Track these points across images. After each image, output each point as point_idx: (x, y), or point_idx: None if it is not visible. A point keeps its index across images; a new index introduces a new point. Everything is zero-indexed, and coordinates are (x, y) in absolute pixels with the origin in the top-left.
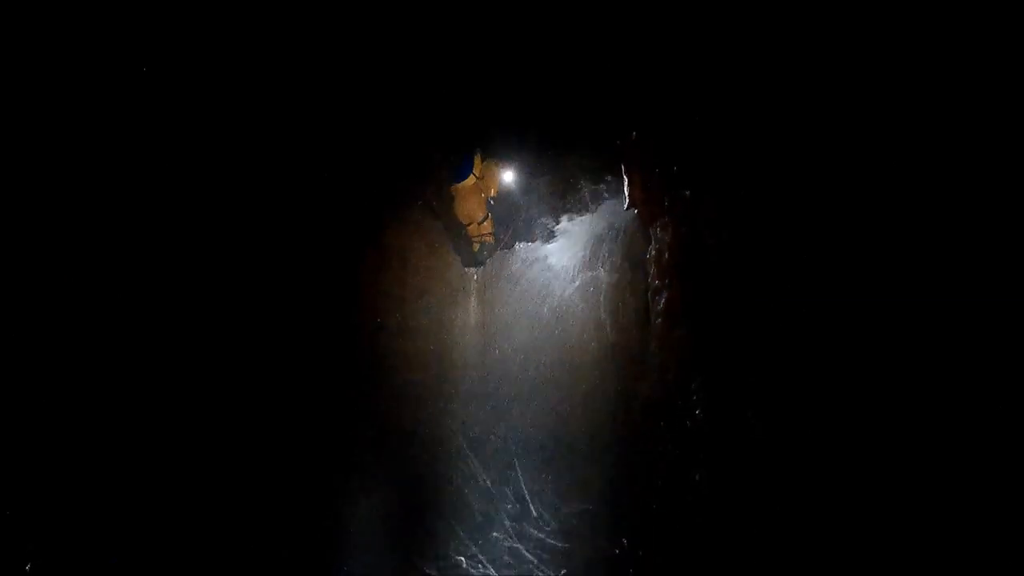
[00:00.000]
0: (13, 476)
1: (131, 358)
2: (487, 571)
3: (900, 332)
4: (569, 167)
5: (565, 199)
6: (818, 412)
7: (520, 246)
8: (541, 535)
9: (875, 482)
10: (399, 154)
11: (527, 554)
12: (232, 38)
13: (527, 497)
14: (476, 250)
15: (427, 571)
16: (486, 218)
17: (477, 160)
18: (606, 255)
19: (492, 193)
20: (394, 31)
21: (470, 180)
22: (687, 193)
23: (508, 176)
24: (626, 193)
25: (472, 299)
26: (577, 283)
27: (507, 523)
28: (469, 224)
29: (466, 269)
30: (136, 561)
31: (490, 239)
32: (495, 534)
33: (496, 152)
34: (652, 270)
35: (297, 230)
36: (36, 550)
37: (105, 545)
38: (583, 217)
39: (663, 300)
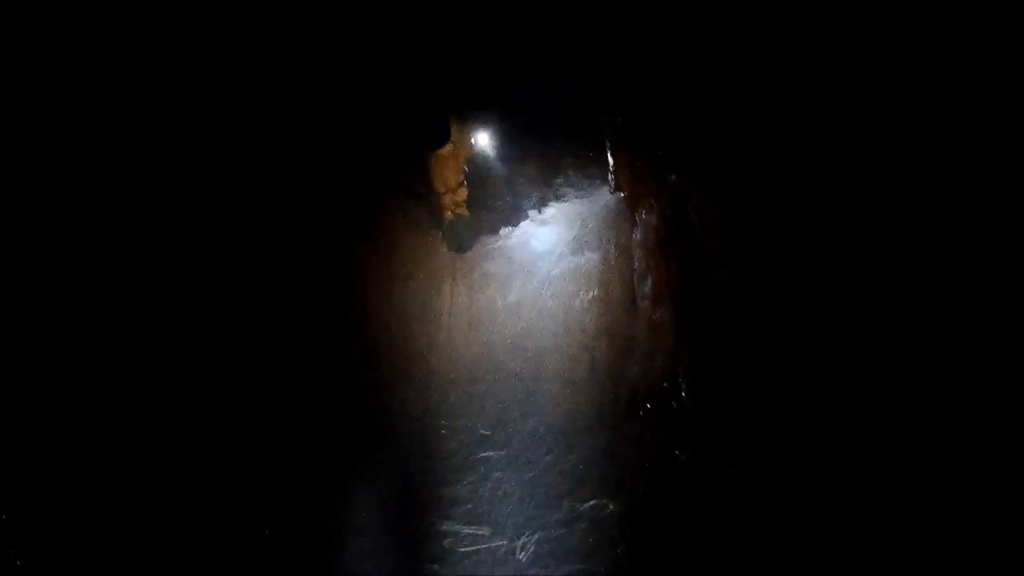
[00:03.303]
0: (14, 476)
1: (130, 357)
2: (486, 560)
3: (885, 319)
4: (555, 151)
5: (550, 183)
6: (803, 393)
7: (505, 230)
8: (536, 522)
9: (861, 461)
10: (379, 138)
11: (524, 541)
12: (213, 38)
13: (519, 484)
14: (451, 221)
15: (427, 566)
16: (461, 184)
17: (454, 125)
18: (591, 239)
19: (468, 154)
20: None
21: (447, 147)
22: (673, 177)
23: (493, 158)
24: (612, 177)
25: (458, 284)
26: (562, 267)
27: (501, 509)
28: (445, 192)
29: (452, 253)
30: (136, 561)
31: (463, 210)
32: (491, 521)
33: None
34: (638, 253)
35: (286, 225)
36: (37, 549)
37: (105, 545)
38: (568, 201)
39: (649, 283)
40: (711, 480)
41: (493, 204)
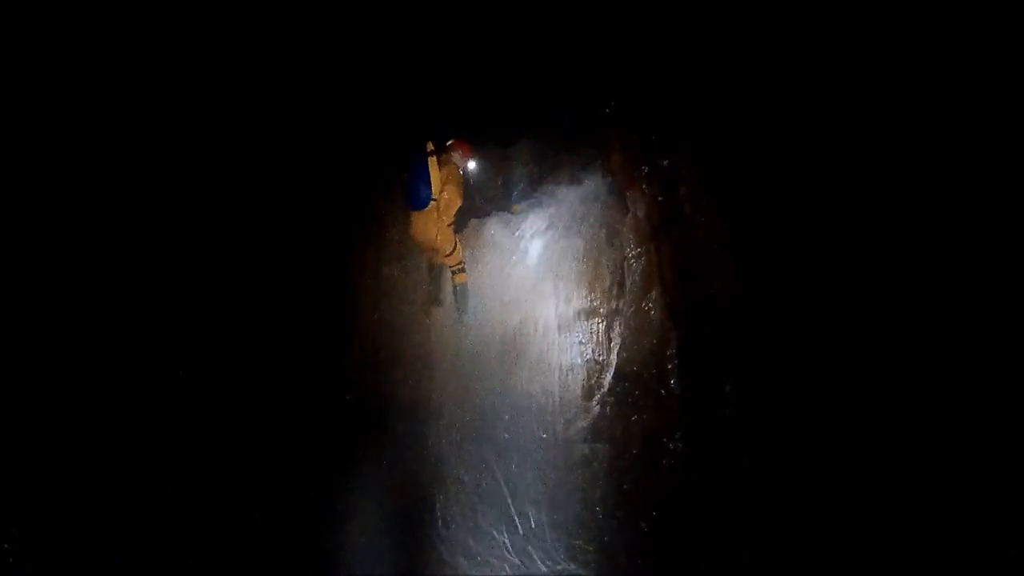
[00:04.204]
0: (16, 475)
1: (130, 356)
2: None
3: (880, 304)
4: (547, 135)
5: (542, 167)
6: (792, 379)
7: (497, 214)
8: (529, 513)
9: (855, 449)
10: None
11: (517, 528)
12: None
13: (511, 473)
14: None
15: (426, 564)
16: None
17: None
18: (583, 223)
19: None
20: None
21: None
22: (665, 162)
23: (485, 140)
24: (604, 161)
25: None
26: (554, 251)
27: (491, 498)
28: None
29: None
30: (138, 560)
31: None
32: (484, 509)
33: (476, 119)
34: (629, 237)
35: (285, 217)
36: (37, 548)
37: (107, 544)
38: (560, 185)
39: (639, 268)
40: (700, 467)
41: (484, 187)
